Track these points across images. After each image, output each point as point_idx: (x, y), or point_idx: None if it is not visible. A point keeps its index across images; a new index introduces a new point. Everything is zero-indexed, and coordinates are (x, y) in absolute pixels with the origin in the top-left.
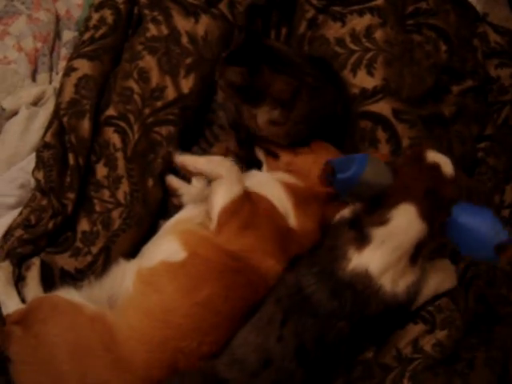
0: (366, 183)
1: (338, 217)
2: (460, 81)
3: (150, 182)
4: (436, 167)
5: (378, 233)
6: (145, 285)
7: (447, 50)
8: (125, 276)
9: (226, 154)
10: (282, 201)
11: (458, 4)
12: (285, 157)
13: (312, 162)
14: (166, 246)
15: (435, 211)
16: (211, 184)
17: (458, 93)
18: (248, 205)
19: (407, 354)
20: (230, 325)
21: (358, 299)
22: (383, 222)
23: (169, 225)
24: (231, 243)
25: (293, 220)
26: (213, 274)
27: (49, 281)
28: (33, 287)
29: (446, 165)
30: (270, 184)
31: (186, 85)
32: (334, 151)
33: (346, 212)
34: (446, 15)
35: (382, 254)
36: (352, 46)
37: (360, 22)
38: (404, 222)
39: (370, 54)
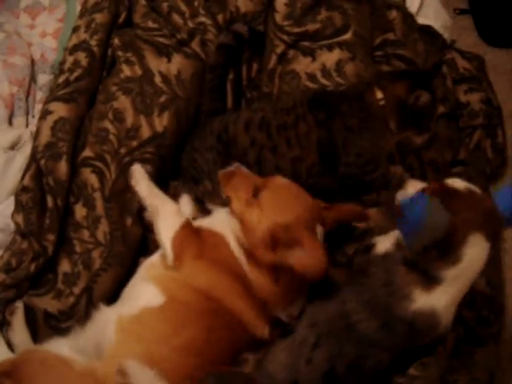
0: (430, 224)
1: (382, 249)
2: None
3: (129, 221)
4: (471, 191)
5: (450, 273)
6: (126, 334)
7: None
8: (107, 325)
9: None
10: (238, 241)
11: (426, 33)
12: (236, 204)
13: (257, 220)
14: (145, 292)
15: (495, 227)
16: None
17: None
18: (194, 233)
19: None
20: (214, 366)
21: (412, 335)
22: (456, 261)
23: (143, 268)
24: (194, 277)
25: (246, 266)
26: (192, 316)
27: (32, 324)
28: (19, 332)
29: (470, 185)
30: (228, 223)
31: (160, 123)
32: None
33: (389, 246)
34: (413, 45)
35: (452, 292)
36: (323, 81)
37: (330, 57)
38: (477, 253)
39: (341, 89)
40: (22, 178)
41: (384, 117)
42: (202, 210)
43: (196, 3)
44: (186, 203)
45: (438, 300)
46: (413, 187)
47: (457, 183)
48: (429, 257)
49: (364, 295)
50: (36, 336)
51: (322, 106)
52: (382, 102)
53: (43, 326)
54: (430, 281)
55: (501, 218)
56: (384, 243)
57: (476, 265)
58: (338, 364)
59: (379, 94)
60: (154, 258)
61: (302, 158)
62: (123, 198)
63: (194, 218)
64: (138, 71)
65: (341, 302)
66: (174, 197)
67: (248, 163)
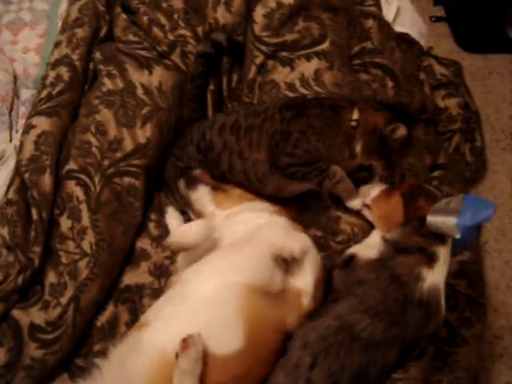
0: None
1: (370, 255)
2: None
3: (116, 231)
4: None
5: (443, 251)
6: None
7: (394, 86)
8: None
9: None
10: None
11: (403, 40)
12: None
13: None
14: (223, 333)
15: None
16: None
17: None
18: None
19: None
20: None
21: (425, 319)
22: (445, 241)
23: (229, 290)
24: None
25: None
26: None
27: (17, 339)
28: None
29: None
30: None
31: (143, 135)
32: None
33: (370, 250)
34: (390, 53)
35: (445, 269)
36: (302, 90)
37: (308, 67)
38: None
39: (322, 97)
40: (7, 191)
41: (349, 136)
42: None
43: (176, 16)
44: (172, 216)
45: (439, 275)
46: (378, 187)
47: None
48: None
49: (363, 304)
50: (21, 351)
51: (294, 107)
52: (353, 124)
53: (28, 340)
54: (430, 258)
55: None
56: (368, 248)
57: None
58: (342, 378)
59: (355, 115)
60: (252, 282)
61: (258, 160)
62: (110, 209)
63: None
64: (120, 84)
65: (335, 318)
66: (159, 209)
67: (222, 169)
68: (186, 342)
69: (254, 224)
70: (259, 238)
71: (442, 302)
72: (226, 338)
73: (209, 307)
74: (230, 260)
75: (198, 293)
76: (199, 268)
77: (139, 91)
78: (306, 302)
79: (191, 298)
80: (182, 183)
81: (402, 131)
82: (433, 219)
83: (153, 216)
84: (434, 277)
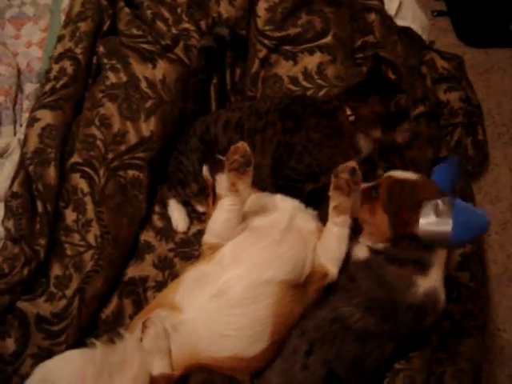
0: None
1: (361, 255)
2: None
3: (120, 224)
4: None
5: (436, 256)
6: None
7: (396, 79)
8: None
9: None
10: None
11: (405, 34)
12: None
13: None
14: (253, 335)
15: None
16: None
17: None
18: None
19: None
20: None
21: (419, 317)
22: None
23: (265, 295)
24: None
25: None
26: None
27: (25, 329)
28: None
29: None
30: None
31: (147, 128)
32: None
33: (367, 252)
34: (393, 46)
35: (441, 269)
36: (305, 84)
37: (311, 61)
38: None
39: (323, 91)
40: (11, 184)
41: (352, 136)
42: (192, 211)
43: (179, 10)
44: (174, 208)
45: (435, 279)
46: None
47: (400, 174)
48: (413, 247)
49: (355, 299)
50: (28, 341)
51: (293, 116)
52: (352, 118)
53: (35, 331)
54: (425, 267)
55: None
56: (361, 249)
57: None
58: (338, 366)
59: (349, 111)
60: (286, 276)
61: (261, 164)
62: (114, 201)
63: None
64: (124, 78)
65: (330, 310)
66: (161, 201)
67: None
68: (144, 325)
69: (283, 206)
70: (295, 225)
71: (441, 296)
72: (254, 340)
73: (243, 308)
74: (269, 254)
75: (234, 288)
76: (237, 255)
77: (143, 84)
78: (330, 279)
79: (227, 293)
80: (205, 168)
81: (403, 99)
82: (425, 234)
83: (157, 208)
84: (429, 281)
